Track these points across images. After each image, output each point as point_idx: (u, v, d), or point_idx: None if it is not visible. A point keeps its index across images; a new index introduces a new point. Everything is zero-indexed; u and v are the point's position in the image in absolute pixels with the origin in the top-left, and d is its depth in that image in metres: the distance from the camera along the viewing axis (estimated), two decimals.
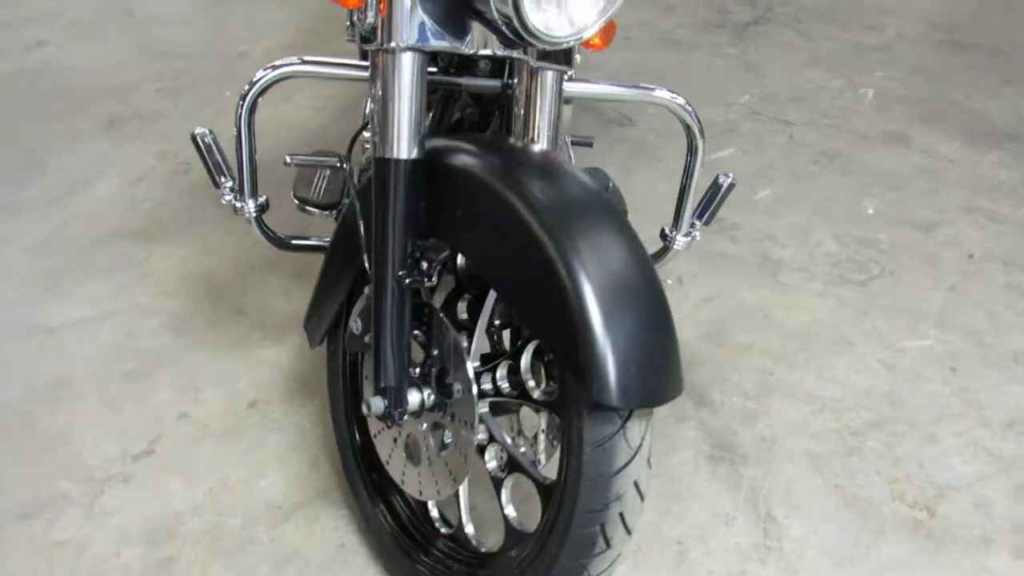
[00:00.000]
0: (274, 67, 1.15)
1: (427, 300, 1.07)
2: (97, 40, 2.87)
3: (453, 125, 1.47)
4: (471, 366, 1.00)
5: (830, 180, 2.19)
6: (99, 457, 1.43)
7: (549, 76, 1.02)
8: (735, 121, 2.44)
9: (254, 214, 1.25)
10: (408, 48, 0.90)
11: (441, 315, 1.03)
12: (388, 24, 0.90)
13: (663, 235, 1.32)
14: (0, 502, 1.35)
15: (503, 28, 0.86)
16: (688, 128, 1.24)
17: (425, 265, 0.98)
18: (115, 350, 1.64)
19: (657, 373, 0.87)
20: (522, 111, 1.05)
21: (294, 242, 1.34)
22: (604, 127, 2.40)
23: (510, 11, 0.81)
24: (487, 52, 0.96)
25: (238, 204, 1.24)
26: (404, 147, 0.94)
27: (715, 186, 1.30)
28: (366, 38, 0.97)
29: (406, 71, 0.92)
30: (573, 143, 1.57)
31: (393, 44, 0.90)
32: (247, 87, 1.15)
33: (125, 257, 1.88)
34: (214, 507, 1.35)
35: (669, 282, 1.81)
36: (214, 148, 1.21)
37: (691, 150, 1.26)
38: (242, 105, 1.16)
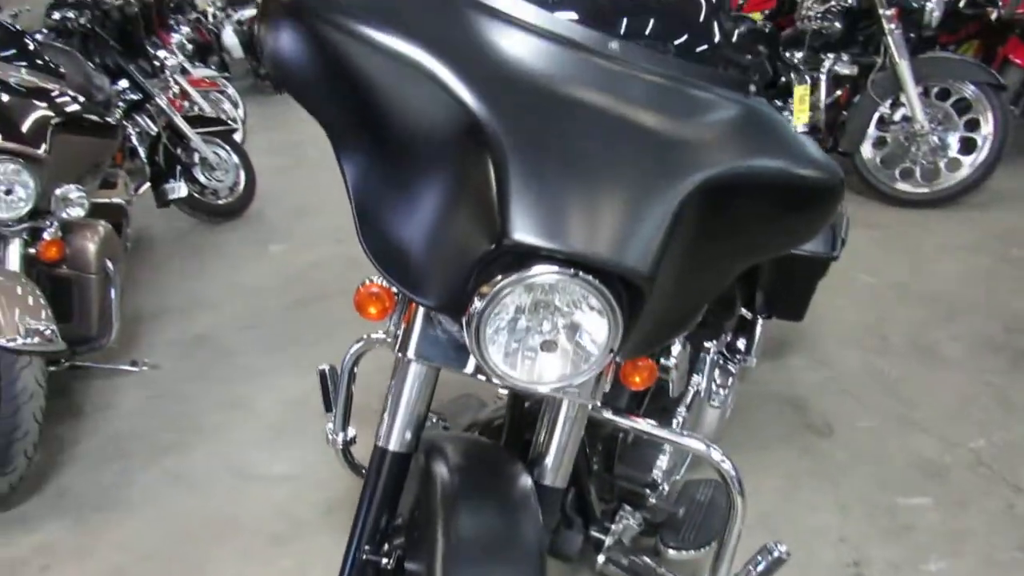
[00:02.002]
0: (365, 340, 1.47)
1: None
2: None
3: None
4: None
5: None
6: None
7: (565, 405, 1.16)
8: (949, 466, 2.18)
9: (340, 446, 1.54)
10: (417, 359, 1.13)
11: None
12: (406, 336, 1.13)
13: None
14: None
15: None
16: (727, 483, 1.25)
17: (386, 547, 1.16)
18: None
19: None
20: (540, 437, 1.19)
21: None
22: (796, 431, 2.32)
23: (483, 366, 0.97)
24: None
25: (331, 436, 1.54)
26: (394, 440, 1.15)
27: (764, 553, 1.27)
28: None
29: (410, 377, 1.15)
30: None
31: (402, 354, 1.13)
32: (347, 352, 1.48)
33: None
34: None
35: None
36: (331, 383, 1.55)
37: (731, 511, 1.26)
38: (345, 360, 1.48)
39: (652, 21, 1.15)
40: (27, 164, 2.25)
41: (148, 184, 3.98)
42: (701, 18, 1.19)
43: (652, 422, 1.31)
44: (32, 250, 2.36)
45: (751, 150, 1.07)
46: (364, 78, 0.98)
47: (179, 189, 3.95)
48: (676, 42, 1.16)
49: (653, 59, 1.08)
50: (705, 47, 1.18)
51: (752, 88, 1.16)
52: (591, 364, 0.99)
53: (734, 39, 1.49)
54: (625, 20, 1.14)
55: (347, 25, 0.97)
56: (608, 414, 1.30)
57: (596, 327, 0.97)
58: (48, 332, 2.09)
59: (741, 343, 2.07)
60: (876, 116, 3.97)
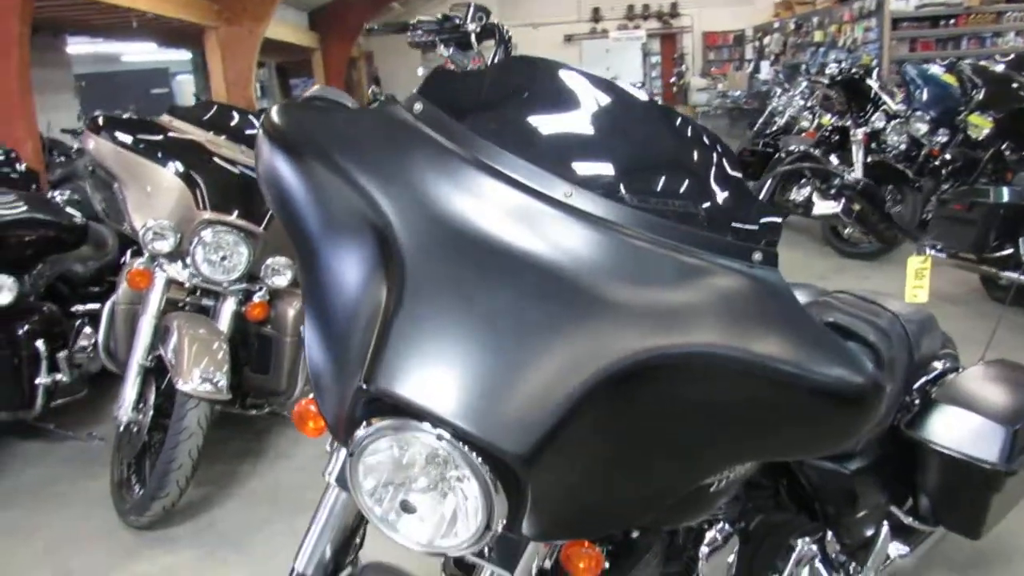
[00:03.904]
0: None
1: None
2: None
3: None
4: None
5: None
6: None
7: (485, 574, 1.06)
8: None
9: None
10: (337, 483, 1.11)
11: None
12: (331, 458, 1.12)
13: None
14: None
15: None
16: None
17: None
18: None
19: None
20: None
21: None
22: None
23: (361, 509, 0.93)
24: None
25: None
26: (308, 564, 1.14)
27: None
28: None
29: (330, 501, 1.13)
30: None
31: (324, 476, 1.12)
32: None
33: None
34: None
35: None
36: None
37: None
38: None
39: (630, 171, 1.03)
40: (246, 237, 2.65)
41: None
42: (700, 172, 1.05)
43: None
44: (243, 309, 2.74)
45: (735, 332, 0.91)
46: (307, 195, 1.03)
47: None
48: (664, 199, 1.03)
49: (614, 211, 0.98)
50: (703, 205, 1.03)
51: (758, 256, 0.99)
52: (470, 537, 0.89)
53: (762, 196, 1.27)
54: (606, 171, 1.04)
55: (315, 153, 1.02)
56: None
57: (472, 498, 0.88)
58: (220, 384, 2.40)
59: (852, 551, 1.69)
60: None
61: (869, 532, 1.70)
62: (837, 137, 5.39)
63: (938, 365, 1.87)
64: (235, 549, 2.38)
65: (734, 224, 1.01)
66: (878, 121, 5.24)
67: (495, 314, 0.89)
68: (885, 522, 1.72)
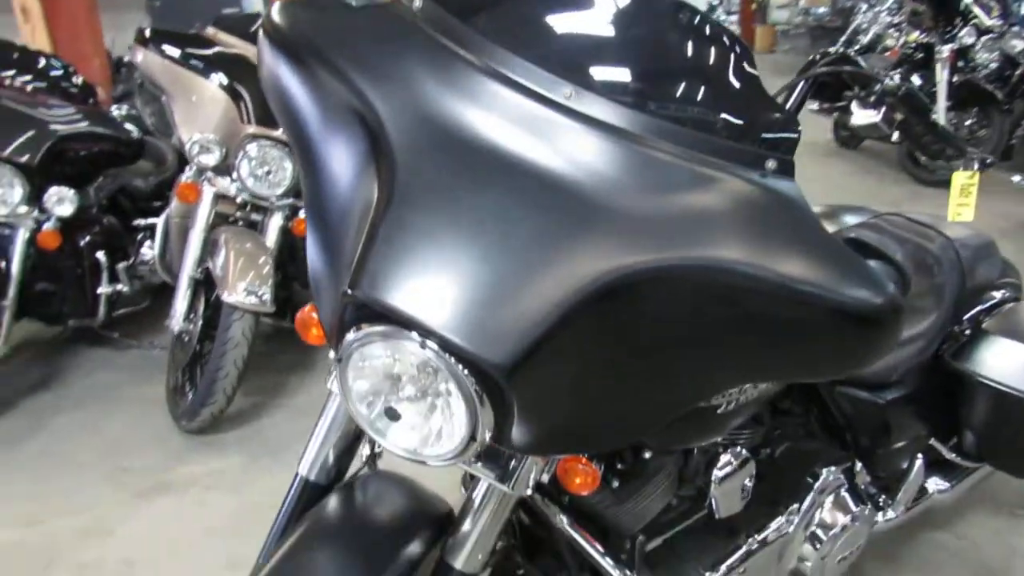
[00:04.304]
0: None
1: None
2: None
3: None
4: None
5: None
6: None
7: (482, 485, 1.06)
8: None
9: None
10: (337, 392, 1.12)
11: None
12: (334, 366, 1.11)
13: None
14: None
15: None
16: None
17: None
18: None
19: None
20: (460, 516, 1.11)
21: None
22: None
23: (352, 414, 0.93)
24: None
25: None
26: (310, 468, 1.18)
27: None
28: None
29: (332, 407, 1.16)
30: None
31: (327, 384, 1.14)
32: None
33: None
34: None
35: None
36: None
37: None
38: None
39: (639, 73, 0.97)
40: (290, 152, 2.65)
41: None
42: (714, 74, 0.97)
43: (599, 548, 1.14)
44: (290, 224, 2.77)
45: (742, 244, 0.86)
46: (305, 96, 1.00)
47: None
48: (673, 103, 0.96)
49: (618, 115, 0.92)
50: (715, 109, 0.96)
51: (771, 165, 0.93)
52: (455, 448, 0.88)
53: (789, 104, 1.17)
54: (612, 70, 0.98)
55: (311, 51, 0.99)
56: (563, 524, 1.15)
57: (457, 409, 0.87)
58: (264, 297, 2.44)
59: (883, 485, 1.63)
60: None
61: (903, 465, 1.64)
62: (921, 55, 5.03)
63: (996, 295, 1.76)
64: (277, 458, 2.47)
65: (749, 131, 0.94)
66: (967, 37, 4.86)
67: (487, 221, 0.86)
68: (920, 455, 1.65)
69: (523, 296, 0.82)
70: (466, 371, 0.82)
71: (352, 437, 1.17)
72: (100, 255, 2.96)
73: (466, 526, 1.07)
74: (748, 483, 1.31)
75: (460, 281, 0.83)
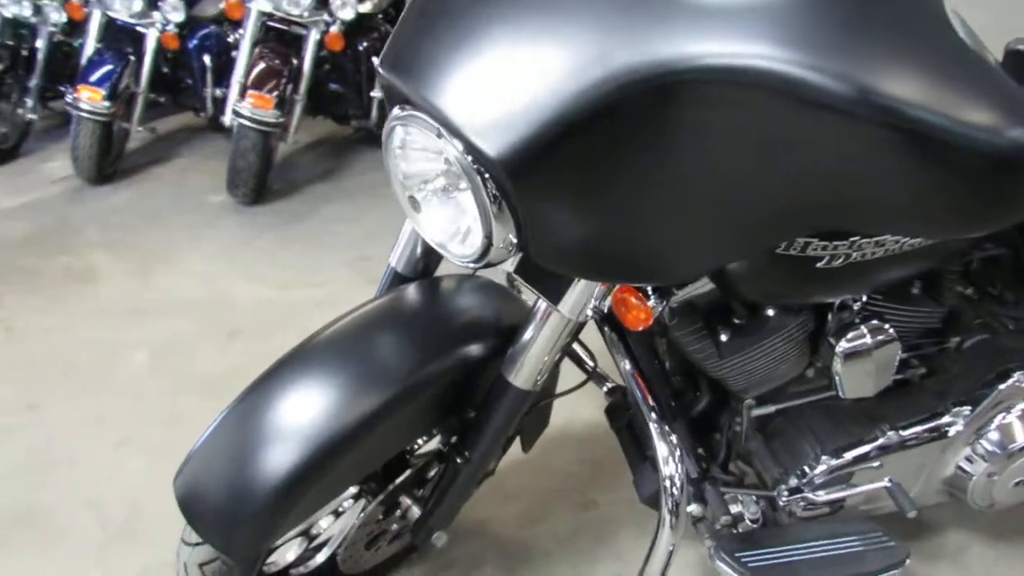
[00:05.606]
0: None
1: None
2: None
3: None
4: None
5: None
6: None
7: (541, 305, 1.02)
8: None
9: None
10: None
11: None
12: None
13: None
14: None
15: None
16: None
17: None
18: None
19: None
20: (520, 334, 1.06)
21: None
22: None
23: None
24: None
25: None
26: (400, 261, 1.21)
27: None
28: None
29: None
30: None
31: None
32: None
33: None
34: None
35: None
36: None
37: None
38: None
39: None
40: None
41: None
42: None
43: (646, 399, 1.05)
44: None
45: (831, 46, 0.69)
46: None
47: None
48: None
49: None
50: None
51: None
52: (475, 250, 0.84)
53: None
54: None
55: None
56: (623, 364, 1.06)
57: (471, 209, 0.82)
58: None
59: None
60: None
61: None
62: None
63: None
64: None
65: None
66: None
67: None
68: None
69: (545, 86, 0.72)
70: (481, 169, 0.75)
71: None
72: (375, 59, 3.17)
73: (523, 342, 1.03)
74: (890, 366, 1.09)
75: (480, 67, 0.76)
